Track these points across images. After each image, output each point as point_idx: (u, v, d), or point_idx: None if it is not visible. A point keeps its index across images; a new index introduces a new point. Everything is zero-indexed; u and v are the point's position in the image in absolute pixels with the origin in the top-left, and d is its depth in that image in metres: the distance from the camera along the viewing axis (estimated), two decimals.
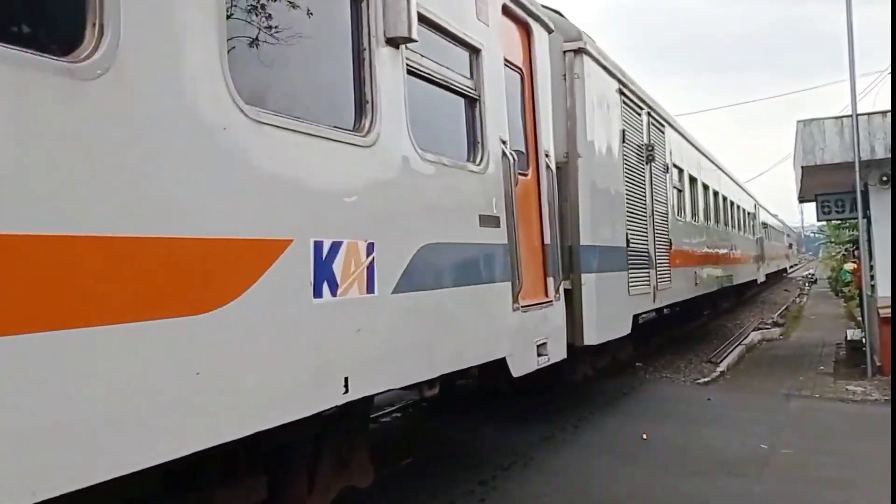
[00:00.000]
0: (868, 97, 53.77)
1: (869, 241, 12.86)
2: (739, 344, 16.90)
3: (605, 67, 9.70)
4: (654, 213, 12.00)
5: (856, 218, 13.74)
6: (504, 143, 6.11)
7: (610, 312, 9.31)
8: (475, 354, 5.55)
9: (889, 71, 10.54)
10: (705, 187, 17.98)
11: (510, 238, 6.00)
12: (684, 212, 15.23)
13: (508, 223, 5.99)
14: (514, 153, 6.19)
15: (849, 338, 14.72)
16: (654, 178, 12.19)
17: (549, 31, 7.68)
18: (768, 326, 21.26)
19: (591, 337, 8.62)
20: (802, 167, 13.11)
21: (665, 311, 15.21)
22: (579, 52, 8.79)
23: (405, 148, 4.68)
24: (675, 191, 14.43)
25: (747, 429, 8.72)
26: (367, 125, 4.32)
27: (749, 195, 29.05)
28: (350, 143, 4.15)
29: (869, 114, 12.04)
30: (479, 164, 5.74)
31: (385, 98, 4.44)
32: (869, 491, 6.24)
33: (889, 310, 11.43)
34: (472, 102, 5.82)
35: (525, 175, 6.78)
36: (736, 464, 7.24)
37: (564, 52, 8.64)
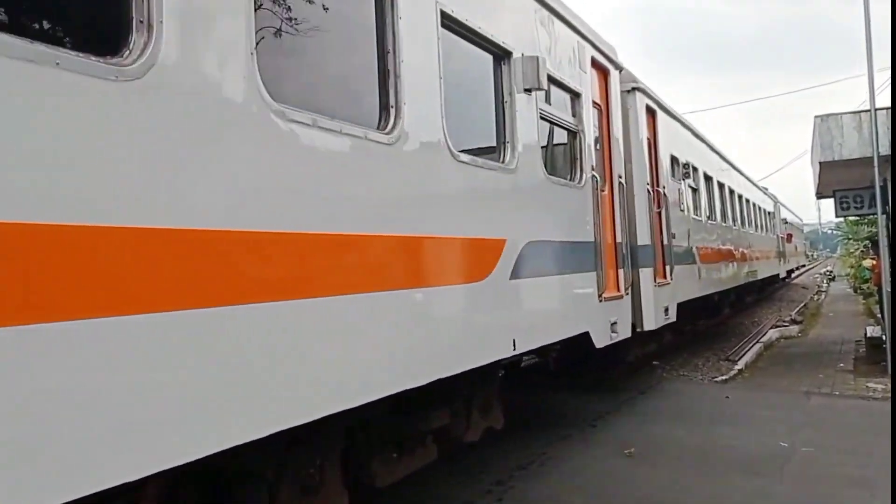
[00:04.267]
0: (886, 92, 53.24)
1: (888, 236, 12.72)
2: (757, 342, 16.77)
3: (650, 97, 11.47)
4: (692, 216, 13.90)
5: (874, 214, 13.60)
6: (593, 166, 7.85)
7: (663, 302, 10.70)
8: (576, 327, 7.20)
9: (889, 71, 10.40)
10: (731, 192, 19.49)
11: (596, 238, 7.65)
12: (715, 215, 16.83)
13: (595, 226, 7.66)
14: (597, 174, 7.88)
15: (868, 335, 14.56)
16: (690, 190, 14.00)
17: (621, 70, 9.40)
18: (786, 324, 21.09)
19: (650, 322, 10.00)
20: (820, 163, 13.02)
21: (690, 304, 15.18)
22: (633, 90, 10.60)
23: (539, 172, 6.58)
24: (706, 196, 16.05)
25: (767, 427, 8.65)
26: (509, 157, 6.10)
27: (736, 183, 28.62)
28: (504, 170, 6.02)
29: (888, 108, 11.92)
30: (580, 183, 7.59)
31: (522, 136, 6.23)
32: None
33: None
34: (573, 135, 7.67)
35: (603, 190, 8.27)
36: (756, 463, 7.18)
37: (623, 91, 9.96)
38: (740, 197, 21.12)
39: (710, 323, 18.41)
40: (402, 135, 4.50)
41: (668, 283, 11.00)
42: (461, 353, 5.10)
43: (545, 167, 6.66)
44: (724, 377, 12.40)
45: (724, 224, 17.82)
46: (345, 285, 3.93)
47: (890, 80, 11.07)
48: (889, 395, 10.54)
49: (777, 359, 14.85)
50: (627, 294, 8.69)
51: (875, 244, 15.52)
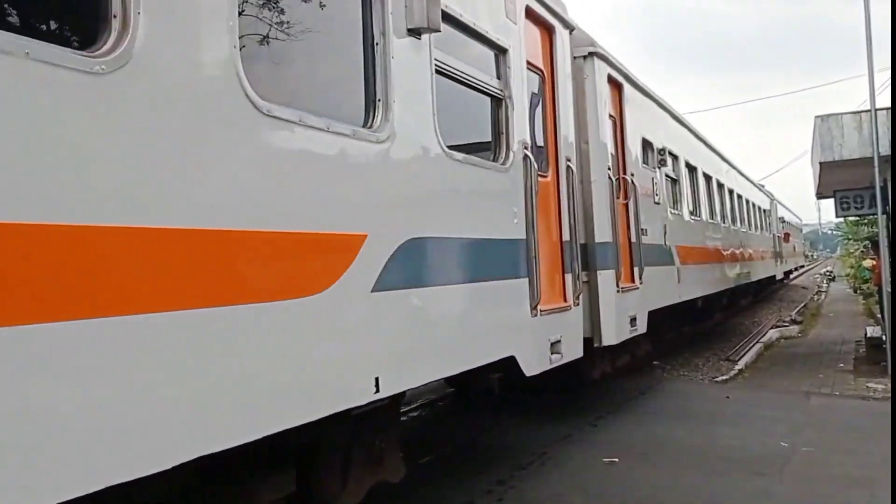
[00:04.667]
0: (886, 92, 53.23)
1: (888, 237, 12.73)
2: (757, 342, 16.79)
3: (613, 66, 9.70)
4: (670, 210, 12.05)
5: (875, 214, 13.60)
6: (527, 144, 6.32)
7: (628, 310, 9.15)
8: (490, 352, 5.61)
9: (889, 71, 10.39)
10: (721, 186, 17.81)
11: (529, 236, 6.14)
12: (700, 210, 14.94)
13: (528, 220, 6.14)
14: (532, 154, 6.33)
15: (868, 335, 14.57)
16: (667, 180, 12.31)
17: (572, 30, 7.86)
18: (786, 324, 21.09)
19: (610, 335, 8.50)
20: (820, 163, 13.03)
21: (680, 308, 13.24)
22: (590, 56, 8.89)
23: (431, 145, 4.94)
24: (689, 188, 14.32)
25: (767, 427, 8.65)
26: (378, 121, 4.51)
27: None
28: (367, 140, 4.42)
29: (888, 108, 11.92)
30: (503, 164, 6.02)
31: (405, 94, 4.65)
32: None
33: None
34: (498, 104, 6.12)
35: (545, 176, 6.91)
36: (756, 463, 7.18)
37: (574, 57, 8.42)
38: (731, 192, 19.62)
39: (697, 329, 16.82)
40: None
41: (637, 288, 9.50)
42: (264, 409, 3.40)
43: (442, 139, 4.97)
44: (724, 377, 12.41)
45: (711, 221, 16.13)
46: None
47: (890, 81, 11.07)
48: (889, 395, 10.53)
49: (777, 359, 14.85)
50: (578, 304, 7.25)
51: (875, 244, 15.52)
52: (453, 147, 5.21)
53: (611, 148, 9.25)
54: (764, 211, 26.78)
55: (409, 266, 4.54)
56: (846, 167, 12.98)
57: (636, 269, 9.57)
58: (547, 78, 7.20)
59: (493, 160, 5.97)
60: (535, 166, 6.32)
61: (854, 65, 24.79)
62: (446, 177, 5.13)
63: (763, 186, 29.18)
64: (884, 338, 12.92)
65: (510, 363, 5.83)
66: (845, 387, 11.31)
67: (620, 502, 6.33)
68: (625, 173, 9.72)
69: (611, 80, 9.51)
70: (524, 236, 6.10)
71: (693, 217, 14.22)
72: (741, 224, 20.71)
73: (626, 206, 9.66)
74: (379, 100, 4.36)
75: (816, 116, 13.11)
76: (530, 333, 6.15)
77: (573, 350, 7.07)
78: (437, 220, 4.92)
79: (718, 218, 17.06)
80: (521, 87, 6.35)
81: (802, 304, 28.07)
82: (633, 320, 9.22)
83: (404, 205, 4.57)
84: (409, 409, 9.39)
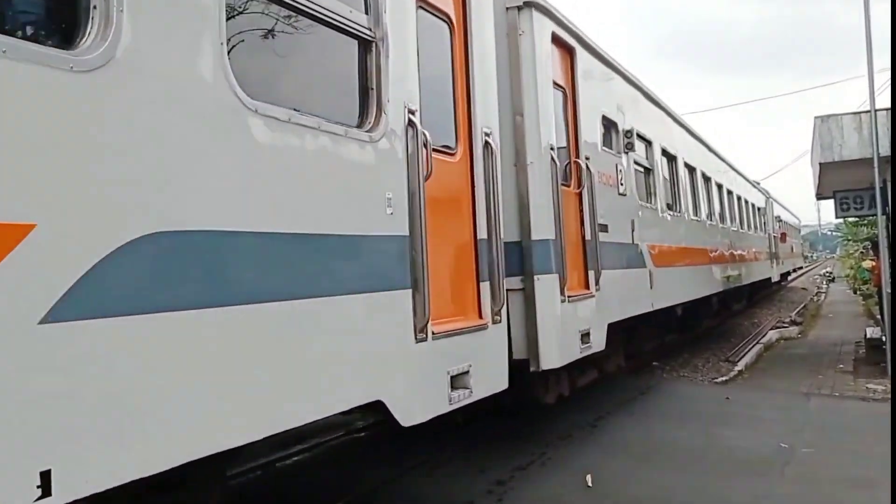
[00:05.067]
0: (886, 92, 53.25)
1: (888, 237, 12.73)
2: (757, 342, 16.79)
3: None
4: (641, 203, 10.51)
5: (874, 215, 13.61)
6: (411, 108, 4.68)
7: (579, 323, 7.57)
8: (334, 402, 4.01)
9: (889, 71, 10.38)
10: (707, 179, 16.13)
11: (414, 231, 4.56)
12: (680, 205, 13.23)
13: (413, 211, 4.55)
14: (423, 122, 4.78)
15: (868, 336, 14.60)
16: (638, 168, 10.75)
17: None
18: (786, 325, 21.10)
19: (552, 356, 6.92)
20: (820, 164, 13.03)
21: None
22: (526, 7, 7.22)
23: (205, 88, 3.29)
24: (668, 180, 12.72)
25: (767, 428, 8.65)
26: None
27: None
28: None
29: (888, 109, 11.93)
30: (371, 131, 4.34)
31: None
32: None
33: None
34: (365, 48, 4.46)
35: (451, 153, 5.44)
36: (757, 463, 7.18)
37: (507, 7, 7.14)
38: (721, 187, 17.82)
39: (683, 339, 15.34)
40: None
41: (591, 296, 7.92)
42: None
43: (235, 83, 3.38)
44: (724, 378, 12.41)
45: (695, 218, 14.30)
46: None
47: (890, 81, 11.07)
48: (889, 395, 10.54)
49: (777, 360, 14.86)
50: (500, 320, 5.67)
51: (876, 245, 15.53)
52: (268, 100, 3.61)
53: (557, 124, 7.63)
54: (758, 209, 24.99)
55: (153, 277, 2.94)
56: (846, 168, 12.98)
57: (591, 273, 8.00)
58: (457, 26, 5.62)
59: (361, 127, 4.33)
60: (428, 138, 4.71)
61: (855, 66, 24.86)
62: (244, 141, 3.44)
63: (758, 184, 27.59)
64: (883, 339, 12.92)
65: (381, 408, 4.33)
66: (845, 388, 11.31)
67: (620, 502, 6.33)
68: (577, 156, 8.08)
69: (558, 41, 7.84)
70: (404, 232, 4.48)
71: (672, 213, 12.49)
72: (732, 222, 18.88)
73: (580, 196, 8.08)
74: (94, 6, 2.80)
75: (816, 117, 13.12)
76: (412, 366, 4.54)
77: (491, 381, 5.51)
78: (221, 204, 3.27)
79: (705, 215, 15.30)
80: (405, 28, 4.77)
81: (802, 305, 28.08)
82: (585, 336, 7.61)
83: (136, 175, 2.91)
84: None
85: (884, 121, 11.67)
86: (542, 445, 7.74)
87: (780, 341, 17.79)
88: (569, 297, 7.24)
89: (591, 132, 8.59)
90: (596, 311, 7.99)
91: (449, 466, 7.18)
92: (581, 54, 8.46)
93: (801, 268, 55.49)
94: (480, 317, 5.51)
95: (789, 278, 41.25)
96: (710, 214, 16.07)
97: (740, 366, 13.57)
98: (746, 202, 22.10)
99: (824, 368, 13.21)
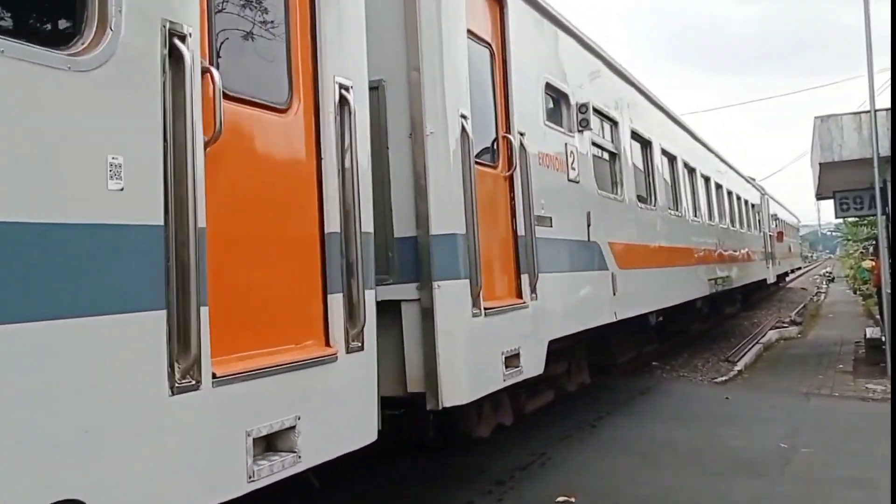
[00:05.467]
0: (886, 93, 53.22)
1: (888, 238, 12.74)
2: (757, 342, 16.79)
3: None
4: (599, 192, 8.90)
5: (874, 215, 13.61)
6: (175, 27, 3.09)
7: (504, 342, 5.92)
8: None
9: (889, 72, 10.38)
10: (691, 170, 14.33)
11: (175, 220, 3.04)
12: (654, 197, 11.48)
13: (172, 190, 3.04)
14: (213, 56, 3.50)
15: (868, 336, 14.61)
16: (597, 151, 9.13)
17: None
18: (786, 325, 21.10)
19: (458, 389, 5.28)
20: (820, 164, 13.03)
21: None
22: None
23: None
24: (638, 167, 10.97)
25: (767, 428, 8.64)
26: None
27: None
28: None
29: (888, 109, 11.93)
30: (74, 50, 2.78)
31: None
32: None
33: None
34: None
35: (279, 109, 3.91)
36: (756, 463, 7.18)
37: None
38: (708, 180, 15.92)
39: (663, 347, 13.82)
40: None
41: (523, 307, 6.32)
42: None
43: None
44: (723, 378, 12.41)
45: (675, 213, 12.57)
46: None
47: (890, 81, 11.08)
48: (888, 396, 10.54)
49: (777, 360, 14.86)
50: (361, 347, 4.14)
51: (876, 246, 15.55)
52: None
53: (476, 88, 6.00)
54: (752, 206, 23.33)
55: None
56: (846, 168, 12.98)
57: (525, 278, 6.40)
58: None
59: (58, 46, 2.76)
60: (216, 78, 3.30)
61: (855, 66, 24.83)
62: None
63: (753, 180, 25.90)
64: (883, 339, 12.93)
65: None
66: (845, 388, 11.31)
67: (620, 502, 6.33)
68: (507, 131, 6.47)
69: None
70: (148, 221, 2.97)
71: (645, 206, 10.83)
72: (721, 219, 17.07)
73: (510, 180, 6.49)
74: None
75: (816, 117, 13.12)
76: (154, 438, 2.91)
77: (333, 441, 3.92)
78: None
79: (689, 210, 13.48)
80: None
81: (802, 305, 28.07)
82: (512, 358, 6.00)
83: None
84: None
85: (884, 121, 11.66)
86: (541, 445, 7.75)
87: (780, 341, 17.80)
88: (486, 308, 5.59)
89: (528, 102, 7.00)
90: (530, 326, 6.42)
91: (448, 466, 7.18)
92: (515, 4, 6.78)
93: (799, 268, 54.19)
94: (328, 344, 3.99)
95: (787, 279, 39.76)
96: (696, 210, 14.32)
97: (740, 366, 13.56)
98: (738, 198, 20.31)
99: (824, 368, 13.22)
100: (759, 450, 7.67)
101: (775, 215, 31.09)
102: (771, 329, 19.91)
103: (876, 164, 11.57)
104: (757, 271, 22.14)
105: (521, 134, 6.59)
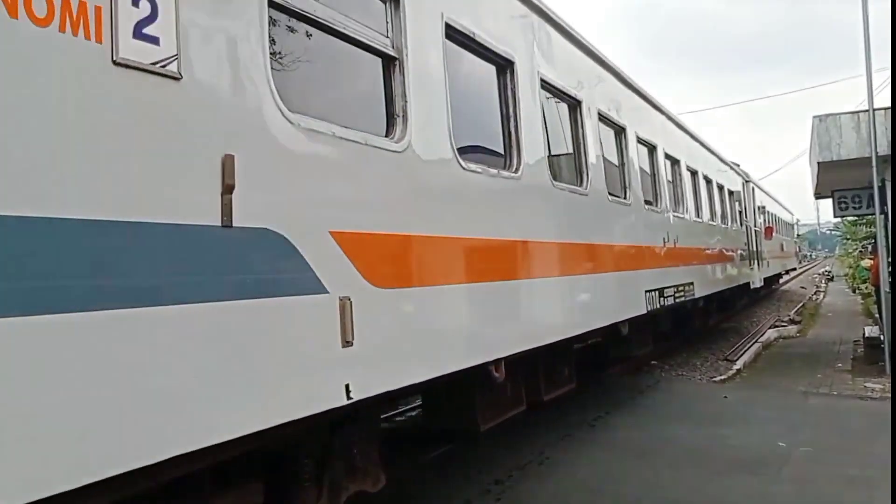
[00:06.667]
0: (885, 92, 53.20)
1: (886, 236, 12.74)
2: (756, 341, 16.80)
3: None
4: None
5: (873, 214, 13.62)
6: None
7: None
8: None
9: (889, 71, 10.36)
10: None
11: None
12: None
13: None
14: None
15: (867, 335, 14.59)
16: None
17: None
18: (785, 324, 21.11)
19: None
20: (819, 163, 13.02)
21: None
22: None
23: None
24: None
25: (765, 427, 8.65)
26: None
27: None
28: None
29: (886, 108, 11.93)
30: None
31: None
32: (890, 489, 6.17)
33: None
34: None
35: None
36: (755, 462, 7.19)
37: None
38: (653, 150, 11.35)
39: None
40: None
41: None
42: None
43: None
44: (722, 377, 12.42)
45: (581, 190, 7.76)
46: None
47: (889, 81, 11.08)
48: (887, 394, 10.54)
49: (775, 359, 14.86)
50: None
51: (875, 245, 15.54)
52: None
53: None
54: (731, 193, 18.48)
55: None
56: (844, 167, 12.98)
57: None
58: None
59: None
60: None
61: (854, 65, 24.77)
62: None
63: (738, 166, 21.07)
64: (882, 337, 12.93)
65: None
66: (843, 387, 11.31)
67: (619, 502, 6.34)
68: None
69: None
70: None
71: (510, 175, 6.14)
72: (677, 206, 12.52)
73: None
74: None
75: (814, 116, 13.11)
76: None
77: None
78: None
79: (625, 192, 9.53)
80: None
81: (801, 304, 28.08)
82: None
83: None
84: (406, 410, 9.38)
85: (882, 120, 11.67)
86: (540, 445, 7.75)
87: (779, 340, 17.80)
88: None
89: None
90: None
91: (446, 466, 7.19)
92: None
93: (794, 269, 46.85)
94: None
95: (781, 281, 35.57)
96: (625, 189, 9.59)
97: (739, 365, 13.58)
98: (710, 182, 15.91)
99: (823, 367, 13.21)
100: (758, 448, 7.67)
101: (763, 207, 25.76)
102: (770, 328, 19.93)
103: (874, 163, 11.57)
104: (738, 274, 18.21)
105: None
